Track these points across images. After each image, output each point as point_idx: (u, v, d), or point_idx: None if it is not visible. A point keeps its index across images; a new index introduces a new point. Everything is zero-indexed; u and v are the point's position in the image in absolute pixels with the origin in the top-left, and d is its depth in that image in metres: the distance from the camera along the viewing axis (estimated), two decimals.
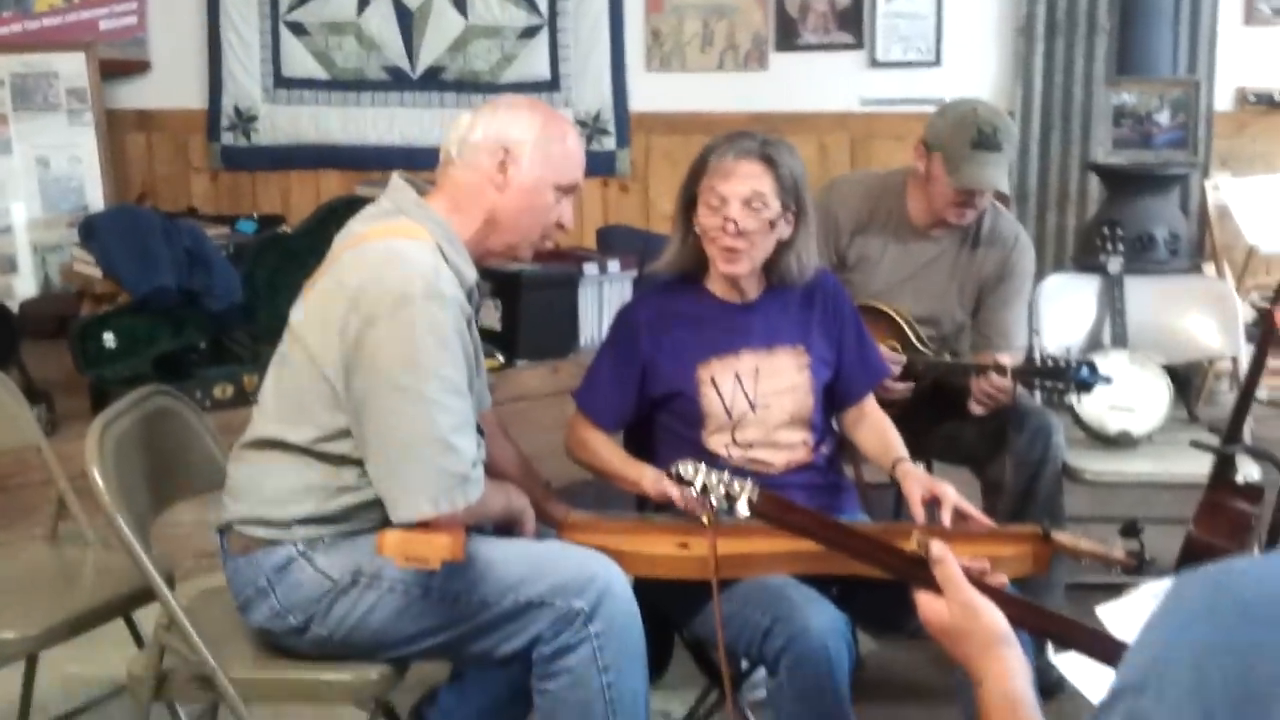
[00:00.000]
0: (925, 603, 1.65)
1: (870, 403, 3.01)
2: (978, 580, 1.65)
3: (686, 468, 2.00)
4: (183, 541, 3.61)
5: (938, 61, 6.15)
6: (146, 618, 2.81)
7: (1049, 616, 1.72)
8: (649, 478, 2.74)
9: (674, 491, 2.65)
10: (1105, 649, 1.62)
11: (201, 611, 2.57)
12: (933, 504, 2.71)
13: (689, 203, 2.80)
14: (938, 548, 1.67)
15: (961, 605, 1.61)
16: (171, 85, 6.62)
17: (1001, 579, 1.74)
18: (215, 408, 4.49)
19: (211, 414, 4.17)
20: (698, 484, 1.97)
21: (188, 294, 4.70)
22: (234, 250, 5.17)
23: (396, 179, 2.58)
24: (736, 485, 1.94)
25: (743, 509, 1.92)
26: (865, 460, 3.44)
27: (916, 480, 2.77)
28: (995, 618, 1.59)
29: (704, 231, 2.76)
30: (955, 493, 2.72)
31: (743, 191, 2.72)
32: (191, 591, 2.80)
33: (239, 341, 4.93)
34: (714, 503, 1.94)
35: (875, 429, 2.99)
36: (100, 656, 3.16)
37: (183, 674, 2.47)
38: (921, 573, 1.70)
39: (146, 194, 6.63)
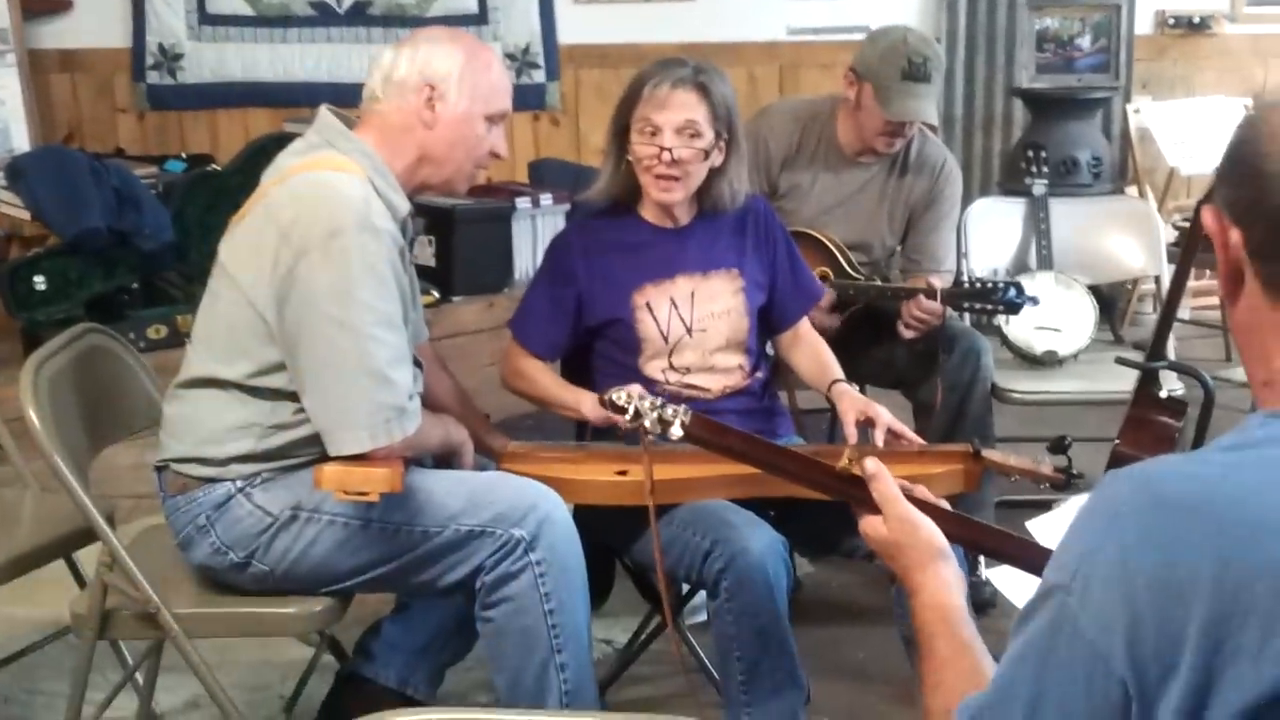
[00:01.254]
0: (866, 519, 1.69)
1: (805, 326, 3.05)
2: (914, 496, 1.69)
3: (620, 394, 2.03)
4: (121, 482, 3.60)
5: None
6: (87, 558, 2.82)
7: (984, 530, 1.76)
8: (588, 403, 2.76)
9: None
10: (1038, 561, 1.65)
11: (143, 550, 2.57)
12: (866, 425, 2.76)
13: (621, 130, 2.81)
14: (872, 464, 1.70)
15: (899, 519, 1.65)
16: (94, 24, 6.50)
17: (939, 502, 1.77)
18: (149, 348, 4.46)
19: (146, 355, 4.15)
20: (630, 410, 1.99)
21: (118, 235, 4.64)
22: (163, 190, 5.10)
23: (324, 112, 2.56)
24: (670, 410, 1.96)
25: (676, 432, 1.95)
26: (800, 386, 3.49)
27: (850, 401, 2.81)
28: (932, 531, 1.62)
29: (638, 160, 2.78)
30: (888, 414, 2.76)
31: (677, 120, 2.73)
32: (132, 532, 2.80)
33: (171, 282, 4.88)
34: (647, 427, 1.96)
35: (811, 351, 3.03)
36: (42, 598, 3.15)
37: (126, 612, 2.48)
38: (855, 490, 1.73)
39: (73, 135, 6.53)
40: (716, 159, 2.80)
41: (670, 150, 2.73)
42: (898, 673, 3.02)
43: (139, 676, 2.91)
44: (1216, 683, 1.06)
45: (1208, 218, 1.25)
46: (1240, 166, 1.22)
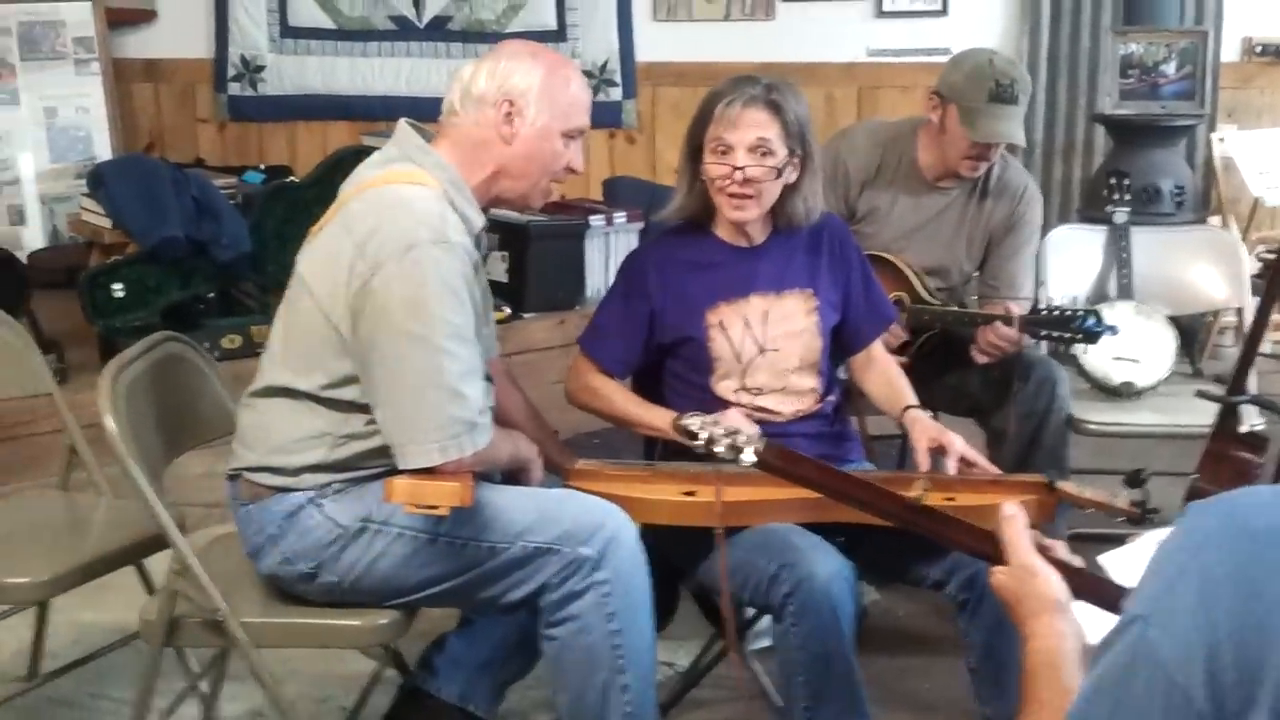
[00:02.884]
0: (995, 569, 1.66)
1: (879, 348, 3.02)
2: (1042, 546, 1.67)
3: (693, 421, 2.01)
4: (193, 490, 3.63)
5: (944, 11, 6.14)
6: (156, 566, 2.84)
7: (1111, 586, 1.72)
8: (667, 419, 2.72)
9: None
10: None
11: (212, 558, 2.58)
12: (938, 452, 2.73)
13: (695, 150, 2.80)
14: (1010, 507, 1.68)
15: (1021, 568, 1.62)
16: (178, 34, 6.60)
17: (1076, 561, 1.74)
18: (224, 358, 4.51)
19: (220, 365, 4.19)
20: (703, 437, 1.98)
21: (196, 244, 4.70)
22: (241, 201, 5.17)
23: (403, 125, 2.57)
24: (742, 437, 1.95)
25: (749, 459, 1.94)
26: (871, 410, 3.46)
27: (923, 428, 2.78)
28: (1050, 583, 1.59)
29: (711, 180, 2.77)
30: (961, 441, 2.73)
31: (749, 139, 2.72)
32: (202, 540, 2.82)
33: (247, 292, 4.95)
34: (720, 453, 1.95)
35: (884, 375, 3.00)
36: (111, 604, 3.19)
37: (194, 620, 2.49)
38: (926, 522, 1.71)
39: (154, 144, 6.62)
40: (791, 175, 2.78)
41: (743, 169, 2.72)
42: (961, 704, 2.97)
43: (203, 685, 2.92)
44: None
45: None
46: None
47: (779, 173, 2.74)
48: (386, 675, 2.98)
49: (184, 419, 2.76)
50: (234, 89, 6.64)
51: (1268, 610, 1.06)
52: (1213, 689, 1.07)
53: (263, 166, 6.08)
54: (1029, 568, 1.61)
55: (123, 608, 3.07)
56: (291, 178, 5.63)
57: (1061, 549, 1.71)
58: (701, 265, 2.85)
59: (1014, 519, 1.67)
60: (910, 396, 2.92)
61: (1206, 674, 1.07)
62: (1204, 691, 1.07)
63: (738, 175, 2.72)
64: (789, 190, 2.80)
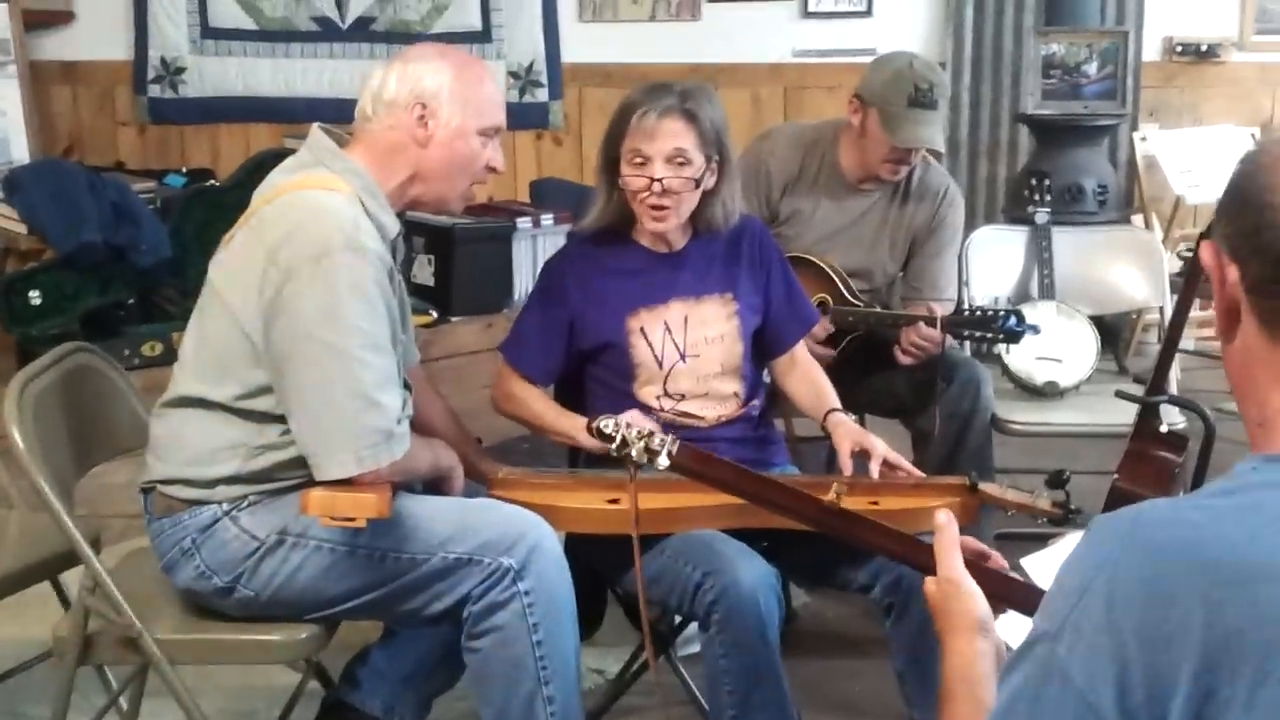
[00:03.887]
0: (926, 580, 1.65)
1: (801, 351, 3.02)
2: (972, 553, 1.65)
3: (607, 423, 2.00)
4: (115, 501, 3.57)
5: (869, 12, 6.14)
6: (74, 580, 2.79)
7: (1035, 593, 1.71)
8: (582, 429, 2.70)
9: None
10: None
11: (127, 573, 2.54)
12: (862, 456, 2.73)
13: (611, 161, 2.78)
14: (943, 516, 1.66)
15: (946, 581, 1.61)
16: (96, 36, 6.49)
17: (1000, 561, 1.73)
18: (145, 365, 4.43)
19: (141, 371, 4.14)
20: (617, 439, 1.96)
21: (115, 250, 4.62)
22: (161, 205, 5.08)
23: (316, 130, 2.54)
24: (657, 439, 1.93)
25: (663, 462, 1.92)
26: (797, 414, 3.46)
27: (845, 431, 2.78)
28: (973, 601, 1.57)
29: (629, 190, 2.75)
30: (884, 445, 2.73)
31: (666, 150, 2.71)
32: (123, 553, 2.77)
33: (168, 298, 4.86)
34: (634, 456, 1.93)
35: (807, 378, 2.99)
36: (27, 620, 3.12)
37: (108, 637, 2.45)
38: (842, 525, 1.70)
39: (73, 147, 6.52)
40: (710, 181, 2.77)
41: (660, 181, 2.70)
42: (891, 707, 2.97)
43: (123, 701, 2.87)
44: None
45: (1205, 254, 1.24)
46: (1239, 202, 1.20)
47: (697, 183, 2.73)
48: (309, 688, 2.94)
49: (96, 431, 2.70)
50: (154, 91, 6.54)
51: (1176, 626, 1.07)
52: (1123, 705, 1.08)
53: (184, 170, 5.98)
54: (955, 583, 1.60)
55: (40, 623, 3.01)
56: (213, 181, 5.55)
57: (998, 559, 1.70)
58: (621, 271, 2.84)
59: (945, 529, 1.65)
60: (833, 399, 2.92)
61: (1117, 690, 1.08)
62: (1115, 708, 1.08)
63: (656, 187, 2.71)
64: (708, 195, 2.79)
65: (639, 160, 2.72)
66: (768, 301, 2.93)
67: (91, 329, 4.49)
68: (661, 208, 2.74)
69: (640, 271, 2.84)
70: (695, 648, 2.98)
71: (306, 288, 2.29)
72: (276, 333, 2.31)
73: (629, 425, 1.96)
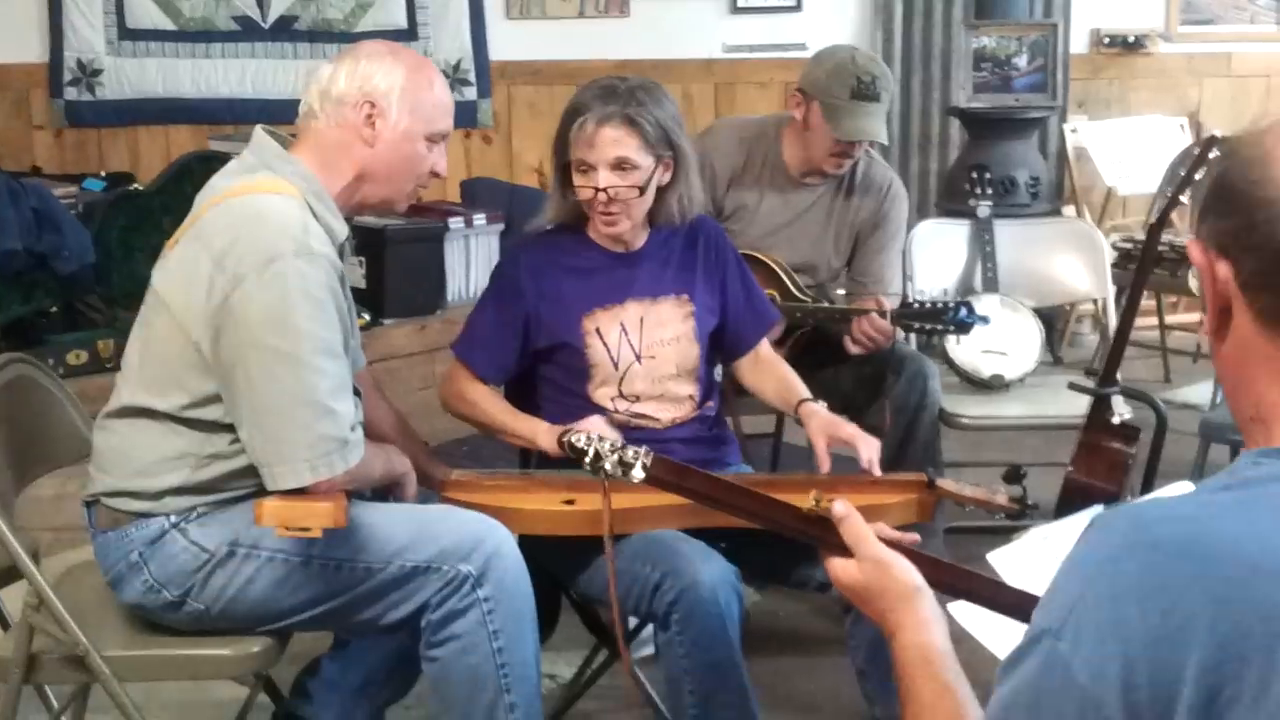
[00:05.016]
0: (834, 563, 1.62)
1: (765, 348, 3.00)
2: (884, 537, 1.63)
3: (579, 436, 1.95)
4: (41, 515, 3.47)
5: (798, 7, 6.15)
6: (6, 598, 2.70)
7: (957, 572, 1.69)
8: (544, 434, 2.69)
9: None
10: (1011, 603, 1.61)
11: (70, 589, 2.46)
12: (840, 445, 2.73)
13: (563, 166, 2.75)
14: (841, 506, 1.64)
15: (872, 561, 1.58)
16: (9, 38, 6.35)
17: (913, 537, 1.72)
18: (69, 374, 4.31)
19: (66, 381, 4.02)
20: (590, 453, 1.92)
21: (36, 256, 4.50)
22: (83, 210, 4.97)
23: (259, 132, 2.47)
24: (630, 452, 1.90)
25: (638, 475, 1.88)
26: (745, 411, 3.44)
27: (820, 423, 2.78)
28: (906, 569, 1.56)
29: (579, 198, 2.72)
30: (856, 429, 2.75)
31: (608, 157, 2.67)
32: (54, 567, 2.69)
33: (92, 305, 4.75)
34: (608, 470, 1.89)
35: (774, 373, 2.97)
36: None
37: (53, 655, 2.37)
38: (820, 532, 1.67)
39: None
40: (664, 178, 2.73)
41: (605, 190, 2.67)
42: (848, 705, 2.98)
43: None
44: None
45: (1194, 252, 1.22)
46: (1227, 196, 1.18)
47: (642, 190, 2.70)
48: (258, 701, 2.87)
49: (34, 444, 2.62)
50: (71, 94, 6.40)
51: (1181, 622, 1.06)
52: (1127, 701, 1.07)
53: (104, 174, 5.86)
54: (881, 560, 1.57)
55: None
56: (135, 185, 5.43)
57: (892, 532, 1.68)
58: (577, 270, 2.80)
59: (849, 516, 1.62)
60: (802, 390, 2.90)
61: (1121, 687, 1.07)
62: (1119, 704, 1.07)
63: (601, 196, 2.68)
64: (664, 190, 2.76)
65: (584, 168, 2.69)
66: (724, 302, 2.90)
67: (13, 338, 4.38)
68: (610, 214, 2.71)
69: (596, 271, 2.80)
70: (649, 650, 2.95)
71: (255, 293, 2.23)
72: (225, 340, 2.25)
73: (600, 438, 1.92)
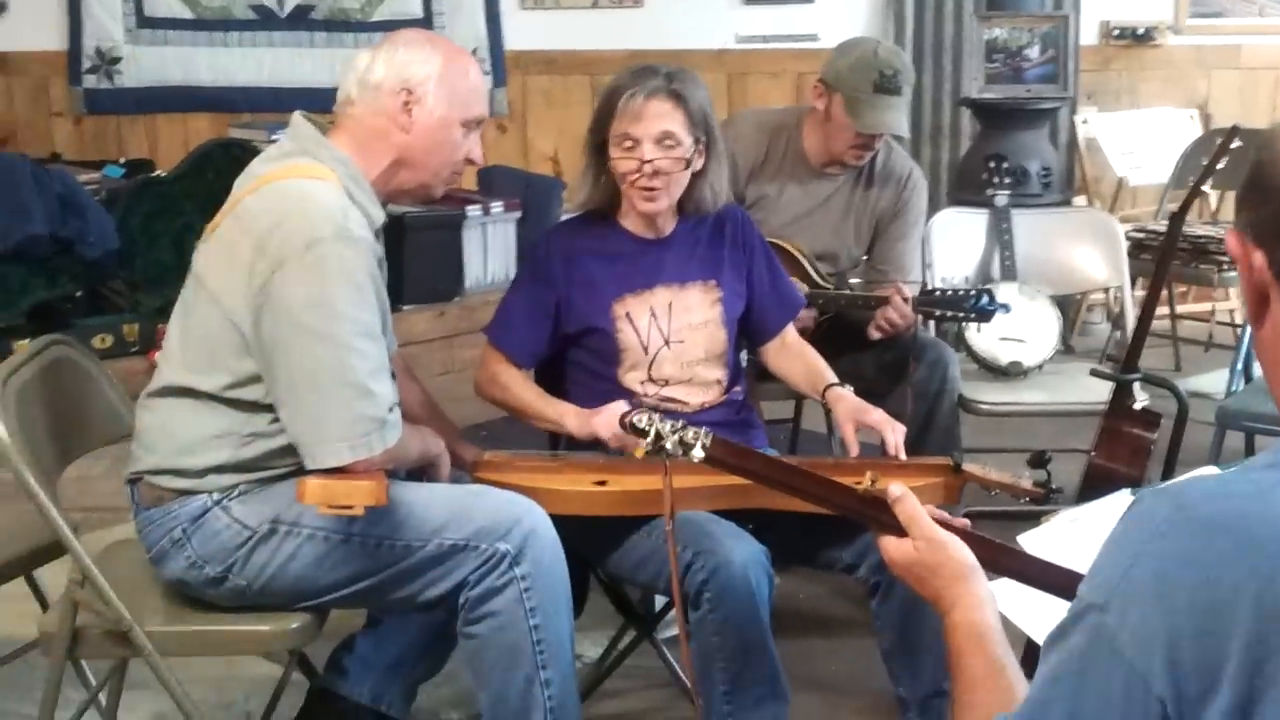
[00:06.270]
0: (888, 541, 1.67)
1: (792, 334, 3.03)
2: (937, 518, 1.67)
3: (640, 416, 1.99)
4: (68, 497, 3.49)
5: None
6: (47, 575, 2.75)
7: (1006, 551, 1.73)
8: (572, 418, 2.73)
9: (604, 432, 2.64)
10: (1059, 583, 1.65)
11: (112, 566, 2.49)
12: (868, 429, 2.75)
13: (599, 145, 2.78)
14: (897, 488, 1.69)
15: (927, 540, 1.63)
16: (29, 26, 6.38)
17: (963, 522, 1.76)
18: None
19: None
20: (651, 433, 1.96)
21: (61, 242, 4.56)
22: (106, 196, 5.02)
23: (298, 118, 2.51)
24: (691, 433, 1.94)
25: (698, 455, 1.92)
26: (766, 396, 3.48)
27: (847, 408, 2.80)
28: (961, 550, 1.61)
29: (619, 174, 2.75)
30: (884, 415, 2.76)
31: (654, 131, 2.70)
32: (91, 545, 2.72)
33: (116, 290, 4.80)
34: (669, 449, 1.93)
35: (800, 358, 3.00)
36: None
37: (96, 631, 2.41)
38: (876, 512, 1.71)
39: (7, 140, 6.41)
40: (697, 163, 2.77)
41: (651, 162, 2.71)
42: (871, 685, 3.01)
43: (102, 696, 2.83)
44: (1259, 702, 1.06)
45: (1231, 242, 1.25)
46: (1261, 188, 1.21)
47: (687, 163, 2.74)
48: (293, 678, 2.91)
49: (75, 424, 2.66)
50: (90, 81, 6.44)
51: (1226, 597, 1.08)
52: (1173, 675, 1.08)
53: (123, 160, 5.90)
54: (936, 539, 1.63)
55: (11, 619, 2.97)
56: (157, 172, 5.47)
57: (944, 515, 1.73)
58: (607, 256, 2.84)
59: (905, 497, 1.68)
60: (829, 374, 2.93)
61: (1167, 661, 1.09)
62: (1164, 678, 1.09)
63: (646, 169, 2.71)
64: (696, 177, 2.79)
65: (628, 143, 2.72)
66: (751, 287, 2.94)
67: (39, 323, 4.43)
68: (652, 189, 2.74)
69: (626, 256, 2.83)
70: (673, 631, 2.99)
71: (296, 277, 2.27)
72: (266, 322, 2.29)
73: (661, 418, 1.96)
